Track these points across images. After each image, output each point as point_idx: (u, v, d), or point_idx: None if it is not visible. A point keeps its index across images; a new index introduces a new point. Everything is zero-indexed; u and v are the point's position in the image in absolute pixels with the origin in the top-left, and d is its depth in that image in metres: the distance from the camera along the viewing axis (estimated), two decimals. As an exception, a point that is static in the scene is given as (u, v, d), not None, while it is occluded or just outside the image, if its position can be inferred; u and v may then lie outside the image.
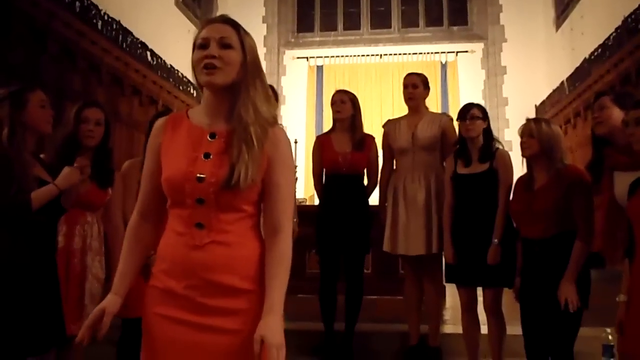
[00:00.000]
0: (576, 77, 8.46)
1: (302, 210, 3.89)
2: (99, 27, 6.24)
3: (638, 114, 2.15)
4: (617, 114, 2.44)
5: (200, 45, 1.47)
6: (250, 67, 1.49)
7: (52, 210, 2.33)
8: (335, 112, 3.74)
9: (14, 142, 2.23)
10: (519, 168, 3.00)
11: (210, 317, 1.41)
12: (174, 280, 1.43)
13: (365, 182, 3.78)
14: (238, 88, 1.48)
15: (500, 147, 3.18)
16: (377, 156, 3.79)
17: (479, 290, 3.17)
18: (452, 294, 4.15)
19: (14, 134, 2.24)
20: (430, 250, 3.39)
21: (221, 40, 1.46)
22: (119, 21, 6.65)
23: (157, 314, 1.45)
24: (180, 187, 1.43)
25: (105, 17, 6.36)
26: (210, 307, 1.41)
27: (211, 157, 1.45)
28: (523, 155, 2.78)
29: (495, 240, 2.98)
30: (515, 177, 2.98)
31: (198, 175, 1.43)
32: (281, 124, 1.65)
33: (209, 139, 1.48)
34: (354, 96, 3.77)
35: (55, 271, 2.38)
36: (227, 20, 1.51)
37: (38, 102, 2.35)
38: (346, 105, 3.69)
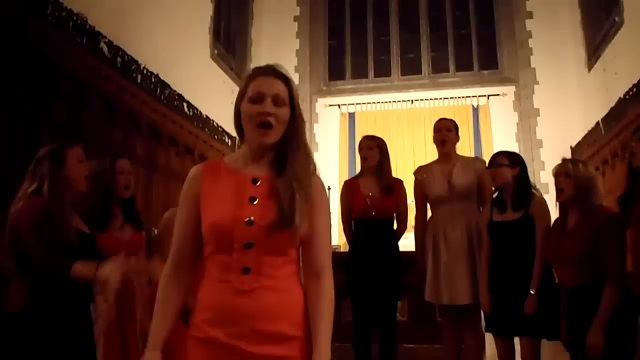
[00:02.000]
0: (611, 117, 8.34)
1: (336, 257, 3.86)
2: (139, 80, 6.48)
3: None
4: None
5: (254, 100, 1.49)
6: (299, 120, 1.55)
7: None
8: (362, 158, 3.74)
9: (55, 196, 2.34)
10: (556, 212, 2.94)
11: None
12: (219, 329, 1.40)
13: (395, 226, 3.74)
14: (285, 140, 1.52)
15: (537, 194, 3.12)
16: (406, 200, 3.76)
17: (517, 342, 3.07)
18: (491, 342, 4.03)
19: (54, 189, 2.35)
20: (476, 299, 3.28)
21: (275, 98, 1.49)
22: (158, 75, 6.90)
23: None
24: (229, 231, 1.42)
25: (145, 71, 6.61)
26: (257, 356, 1.38)
27: (257, 200, 1.46)
28: (558, 200, 2.73)
29: (532, 291, 2.88)
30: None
31: (247, 218, 1.43)
32: None
33: (252, 184, 1.49)
34: (382, 141, 3.75)
35: (90, 322, 2.44)
36: (279, 75, 1.53)
37: (76, 157, 2.49)
38: (373, 152, 3.68)
